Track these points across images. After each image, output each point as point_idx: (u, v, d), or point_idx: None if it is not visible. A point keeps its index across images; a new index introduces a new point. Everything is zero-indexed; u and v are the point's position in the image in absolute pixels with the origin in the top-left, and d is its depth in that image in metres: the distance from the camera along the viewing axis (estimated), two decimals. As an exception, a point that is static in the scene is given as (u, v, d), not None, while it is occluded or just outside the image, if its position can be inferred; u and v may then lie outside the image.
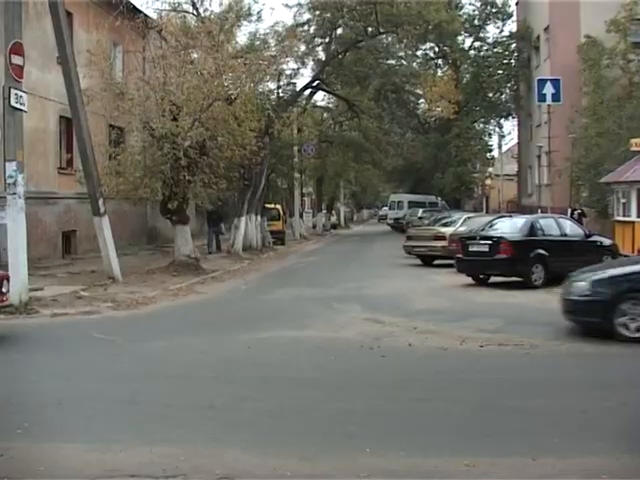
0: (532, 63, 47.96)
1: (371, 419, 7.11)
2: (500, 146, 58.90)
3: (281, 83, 35.99)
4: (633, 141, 26.47)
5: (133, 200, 23.76)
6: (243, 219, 29.62)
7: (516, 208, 48.84)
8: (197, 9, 25.94)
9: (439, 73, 52.94)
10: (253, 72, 23.04)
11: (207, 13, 25.48)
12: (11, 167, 14.42)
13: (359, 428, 6.75)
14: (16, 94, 14.49)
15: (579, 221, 26.61)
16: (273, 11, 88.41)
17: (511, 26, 53.12)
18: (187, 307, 15.72)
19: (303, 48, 33.58)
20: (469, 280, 19.25)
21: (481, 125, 55.45)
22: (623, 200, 26.31)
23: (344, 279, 20.49)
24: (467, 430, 6.74)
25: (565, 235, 19.60)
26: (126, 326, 12.94)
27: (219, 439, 6.44)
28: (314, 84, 37.91)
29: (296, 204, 46.71)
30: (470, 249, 19.05)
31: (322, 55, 40.19)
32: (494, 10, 52.53)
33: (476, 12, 52.70)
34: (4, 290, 11.83)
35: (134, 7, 25.24)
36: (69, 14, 21.90)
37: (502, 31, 53.15)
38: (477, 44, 53.27)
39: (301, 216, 49.10)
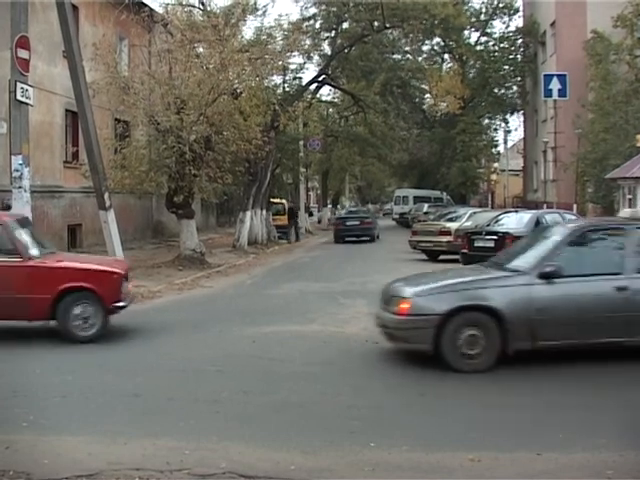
0: (538, 58, 47.92)
1: (375, 414, 7.12)
2: (506, 141, 59.01)
3: (287, 77, 36.05)
4: (639, 137, 26.41)
5: (138, 194, 23.78)
6: (248, 213, 29.63)
7: (521, 203, 48.83)
8: (203, 3, 25.95)
9: (445, 68, 52.92)
10: (258, 66, 23.05)
11: (213, 7, 25.51)
12: (17, 161, 14.45)
13: (363, 423, 6.76)
14: (22, 88, 14.50)
15: None
16: (279, 5, 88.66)
17: (517, 21, 53.24)
18: (192, 301, 15.74)
19: (309, 42, 33.56)
20: (474, 275, 19.21)
21: (487, 120, 55.43)
22: (629, 196, 26.24)
23: (349, 274, 20.48)
24: (471, 425, 6.74)
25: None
26: (130, 320, 12.94)
27: (223, 433, 6.45)
28: (320, 78, 37.90)
29: (301, 198, 46.73)
30: (475, 244, 19.04)
31: (328, 49, 40.20)
32: (500, 5, 52.48)
33: (482, 7, 52.69)
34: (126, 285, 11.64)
35: (140, 1, 25.25)
36: (75, 7, 21.89)
37: (508, 26, 53.23)
38: (483, 39, 53.25)
39: (307, 210, 49.07)
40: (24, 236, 11.03)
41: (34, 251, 10.95)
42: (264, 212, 32.90)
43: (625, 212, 10.79)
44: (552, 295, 8.87)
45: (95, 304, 10.77)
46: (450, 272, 10.72)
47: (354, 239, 35.54)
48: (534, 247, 9.90)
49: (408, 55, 47.98)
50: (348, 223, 36.93)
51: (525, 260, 9.49)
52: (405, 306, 8.93)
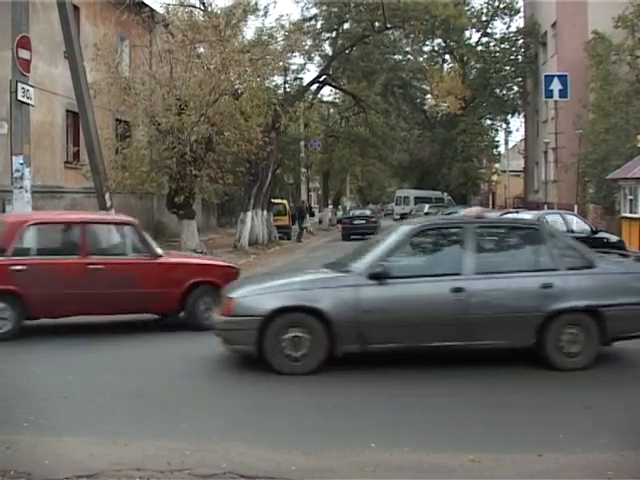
0: (539, 59, 47.93)
1: (376, 415, 7.11)
2: (507, 142, 59.03)
3: (288, 78, 36.07)
4: (640, 137, 26.41)
5: (139, 194, 23.80)
6: (249, 214, 29.60)
7: (522, 204, 48.81)
8: (204, 3, 25.95)
9: (446, 69, 52.96)
10: (259, 67, 23.06)
11: (214, 7, 25.53)
12: (18, 161, 14.46)
13: (364, 423, 6.76)
14: (23, 88, 14.52)
15: None
16: (280, 5, 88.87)
17: (518, 22, 53.27)
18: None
19: (310, 43, 33.58)
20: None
21: (488, 121, 55.45)
22: (630, 197, 26.23)
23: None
24: (471, 426, 6.74)
25: (571, 231, 19.54)
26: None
27: (224, 433, 6.45)
28: (321, 79, 37.88)
29: (303, 199, 46.74)
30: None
31: (329, 50, 40.24)
32: (501, 6, 52.49)
33: (483, 8, 52.70)
34: None
35: (141, 1, 25.25)
36: (76, 8, 21.90)
37: (509, 27, 53.37)
38: (484, 40, 53.32)
39: (309, 210, 49.06)
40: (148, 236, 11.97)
41: (159, 249, 11.76)
42: (265, 212, 32.89)
43: (471, 210, 10.49)
44: (382, 297, 8.57)
45: (217, 296, 11.44)
46: (287, 273, 10.20)
47: (359, 237, 37.63)
48: (375, 247, 9.53)
49: (409, 55, 48.09)
50: (355, 222, 41.23)
51: (362, 260, 9.12)
52: (229, 306, 8.79)
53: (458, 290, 8.57)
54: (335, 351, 8.51)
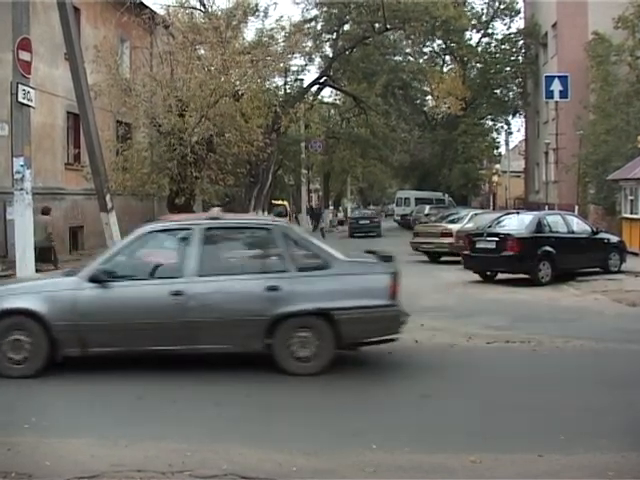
0: (540, 60, 47.88)
1: (376, 415, 7.11)
2: (507, 143, 58.86)
3: (288, 79, 36.13)
4: (641, 138, 26.41)
5: (140, 196, 23.81)
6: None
7: (523, 205, 48.77)
8: (204, 5, 26.00)
9: (446, 70, 52.91)
10: (260, 68, 23.09)
11: (214, 9, 25.56)
12: (18, 163, 14.42)
13: (364, 424, 6.76)
14: (24, 90, 14.49)
15: None
16: (280, 7, 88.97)
17: (519, 23, 53.17)
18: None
19: (310, 44, 33.63)
20: (476, 277, 19.20)
21: (489, 122, 55.40)
22: (631, 197, 26.22)
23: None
24: (472, 427, 6.73)
25: (572, 232, 19.54)
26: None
27: (225, 435, 6.46)
28: (321, 80, 37.95)
29: (303, 200, 46.73)
30: (477, 246, 19.01)
31: (329, 51, 40.32)
32: (502, 6, 52.44)
33: (484, 8, 52.69)
34: None
35: (141, 3, 25.27)
36: (77, 10, 21.91)
37: (510, 28, 53.23)
38: (485, 41, 53.22)
39: (309, 212, 48.98)
40: None
41: None
42: (266, 214, 32.91)
43: (212, 211, 10.33)
44: (100, 300, 8.49)
45: None
46: (31, 277, 9.99)
47: (363, 234, 42.14)
48: (107, 250, 9.35)
49: (409, 57, 48.06)
50: (360, 222, 45.44)
51: (89, 263, 9.01)
52: None
53: (177, 293, 8.44)
54: (56, 355, 8.43)
